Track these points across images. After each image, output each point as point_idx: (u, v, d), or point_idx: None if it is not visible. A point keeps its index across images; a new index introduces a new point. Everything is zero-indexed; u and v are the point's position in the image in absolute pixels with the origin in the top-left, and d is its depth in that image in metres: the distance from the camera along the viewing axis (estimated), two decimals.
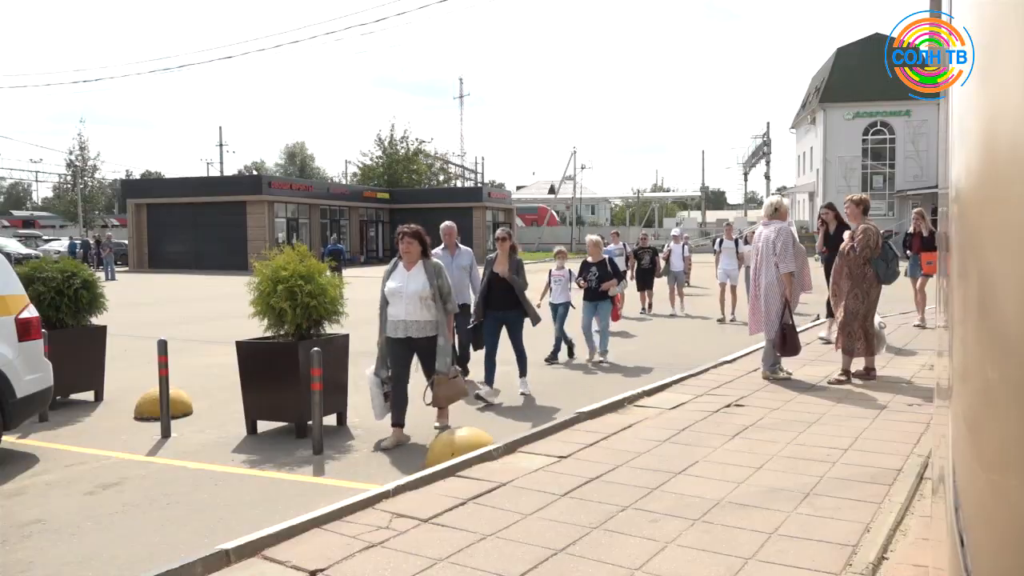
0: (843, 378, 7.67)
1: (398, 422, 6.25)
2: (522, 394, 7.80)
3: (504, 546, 3.83)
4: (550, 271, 10.30)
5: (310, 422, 6.12)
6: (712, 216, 71.77)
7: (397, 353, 6.28)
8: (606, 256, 9.98)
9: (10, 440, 6.29)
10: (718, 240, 14.76)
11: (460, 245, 8.61)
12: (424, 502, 4.46)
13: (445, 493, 4.61)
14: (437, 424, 6.50)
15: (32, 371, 6.11)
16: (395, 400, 6.27)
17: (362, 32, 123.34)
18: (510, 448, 5.49)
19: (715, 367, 8.66)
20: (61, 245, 40.07)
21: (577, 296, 10.08)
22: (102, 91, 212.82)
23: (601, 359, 9.76)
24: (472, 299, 8.32)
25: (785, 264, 7.51)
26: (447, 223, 8.53)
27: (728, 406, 6.73)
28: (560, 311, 9.97)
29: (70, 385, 7.72)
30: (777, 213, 7.88)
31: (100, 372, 8.12)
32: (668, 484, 4.71)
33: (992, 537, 1.52)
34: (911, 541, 3.81)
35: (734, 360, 9.08)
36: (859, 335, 7.57)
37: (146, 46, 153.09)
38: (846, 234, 7.92)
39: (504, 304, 7.82)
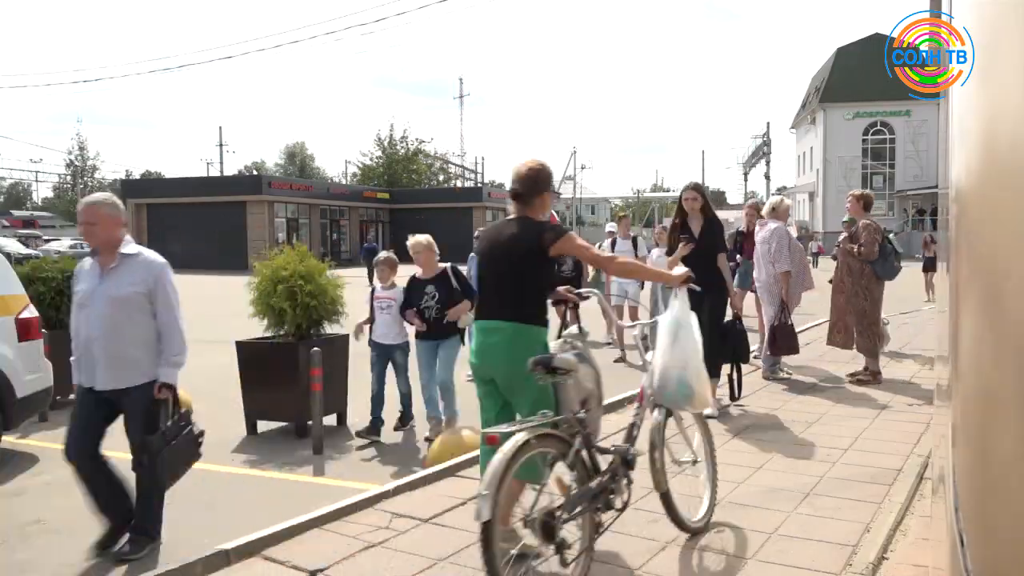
0: (868, 378, 7.61)
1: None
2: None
3: None
4: (372, 291, 6.66)
5: (310, 422, 6.12)
6: None
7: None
8: (447, 266, 6.34)
9: (10, 440, 6.29)
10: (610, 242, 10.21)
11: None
12: (424, 502, 4.46)
13: (445, 493, 4.61)
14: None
15: (32, 371, 6.11)
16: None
17: (362, 32, 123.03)
18: None
19: None
20: (61, 245, 40.03)
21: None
22: (102, 91, 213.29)
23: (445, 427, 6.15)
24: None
25: (780, 264, 7.52)
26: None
27: (728, 406, 6.73)
28: (398, 357, 6.45)
29: (70, 385, 7.70)
30: (774, 213, 7.93)
31: None
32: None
33: (992, 537, 1.51)
34: (911, 541, 3.81)
35: None
36: (874, 333, 7.56)
37: (146, 46, 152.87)
38: (842, 235, 7.94)
39: None
